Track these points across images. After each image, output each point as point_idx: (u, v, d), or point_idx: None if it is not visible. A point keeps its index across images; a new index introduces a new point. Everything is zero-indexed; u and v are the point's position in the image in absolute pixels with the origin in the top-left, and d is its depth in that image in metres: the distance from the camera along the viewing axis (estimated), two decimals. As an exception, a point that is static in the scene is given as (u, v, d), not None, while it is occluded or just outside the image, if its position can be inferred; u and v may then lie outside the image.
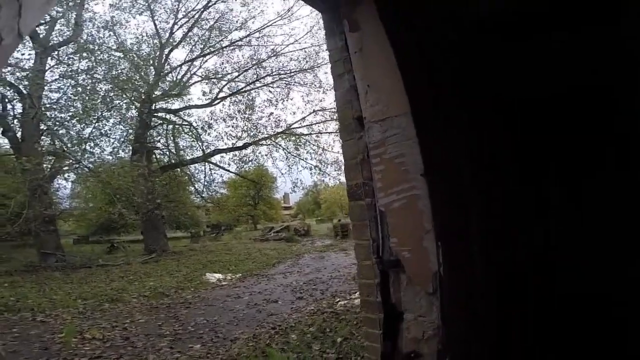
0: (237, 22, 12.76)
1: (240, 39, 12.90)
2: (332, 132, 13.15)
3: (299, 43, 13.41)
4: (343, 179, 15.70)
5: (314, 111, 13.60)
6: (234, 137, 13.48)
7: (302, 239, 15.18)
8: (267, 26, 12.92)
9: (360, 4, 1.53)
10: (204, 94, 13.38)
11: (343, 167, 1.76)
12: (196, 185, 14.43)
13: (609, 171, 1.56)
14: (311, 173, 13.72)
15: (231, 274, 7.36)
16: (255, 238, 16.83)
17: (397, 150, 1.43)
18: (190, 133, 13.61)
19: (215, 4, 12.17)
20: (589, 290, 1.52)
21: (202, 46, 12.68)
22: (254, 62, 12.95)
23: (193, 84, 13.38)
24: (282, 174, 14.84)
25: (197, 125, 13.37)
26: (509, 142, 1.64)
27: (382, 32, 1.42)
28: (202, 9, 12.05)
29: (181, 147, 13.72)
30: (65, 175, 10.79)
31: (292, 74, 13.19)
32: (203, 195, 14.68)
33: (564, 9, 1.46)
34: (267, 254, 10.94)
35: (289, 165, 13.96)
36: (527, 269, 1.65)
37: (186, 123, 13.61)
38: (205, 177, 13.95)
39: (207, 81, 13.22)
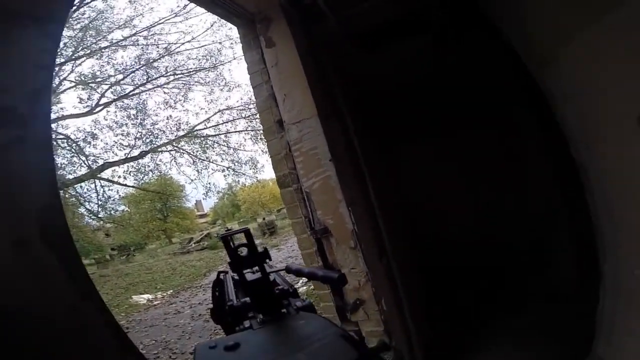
0: (119, 20, 11.17)
1: (125, 39, 11.36)
2: (242, 131, 12.94)
3: (198, 41, 12.54)
4: (260, 177, 15.45)
5: (219, 111, 13.09)
6: (126, 146, 11.95)
7: (228, 245, 14.61)
8: (157, 24, 11.69)
9: (274, 22, 1.86)
10: (80, 101, 11.40)
11: (270, 163, 2.10)
12: (88, 206, 12.33)
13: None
14: (224, 175, 13.27)
15: (161, 292, 6.90)
16: (174, 252, 15.46)
17: (311, 144, 1.87)
18: (69, 147, 11.46)
19: (90, 2, 10.37)
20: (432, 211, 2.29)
21: (73, 48, 10.71)
22: (143, 63, 11.63)
23: (64, 90, 11.23)
24: (191, 180, 13.85)
25: (77, 138, 11.37)
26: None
27: (294, 49, 1.80)
28: (75, 8, 10.09)
29: (60, 165, 11.44)
30: None
31: (191, 73, 12.38)
32: (99, 216, 12.66)
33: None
34: (193, 265, 10.36)
35: (197, 170, 13.13)
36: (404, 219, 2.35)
37: (62, 136, 11.38)
38: (97, 195, 12.04)
39: (83, 86, 11.27)
